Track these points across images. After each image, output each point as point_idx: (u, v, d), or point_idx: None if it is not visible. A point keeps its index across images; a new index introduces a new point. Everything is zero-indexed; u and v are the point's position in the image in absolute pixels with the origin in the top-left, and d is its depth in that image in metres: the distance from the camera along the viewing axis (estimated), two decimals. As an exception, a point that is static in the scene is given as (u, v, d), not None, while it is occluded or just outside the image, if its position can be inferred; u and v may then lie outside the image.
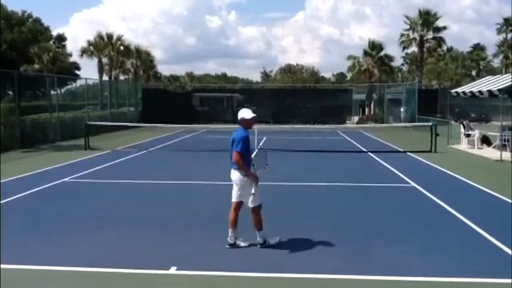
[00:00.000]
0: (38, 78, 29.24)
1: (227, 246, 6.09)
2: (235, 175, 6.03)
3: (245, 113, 6.13)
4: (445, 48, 47.95)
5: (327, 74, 75.67)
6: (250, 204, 6.01)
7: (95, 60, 42.68)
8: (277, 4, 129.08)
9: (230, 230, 6.10)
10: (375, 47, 39.80)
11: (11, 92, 20.81)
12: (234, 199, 6.15)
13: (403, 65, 56.29)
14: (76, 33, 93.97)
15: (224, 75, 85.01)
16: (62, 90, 30.76)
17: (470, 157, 15.82)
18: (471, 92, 17.49)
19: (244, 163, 5.92)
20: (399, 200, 9.39)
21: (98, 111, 25.08)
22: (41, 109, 22.32)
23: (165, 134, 23.75)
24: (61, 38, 49.83)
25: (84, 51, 42.62)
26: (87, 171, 12.45)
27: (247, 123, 6.13)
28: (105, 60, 42.91)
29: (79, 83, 32.27)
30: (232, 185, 6.19)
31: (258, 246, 6.07)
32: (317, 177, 11.76)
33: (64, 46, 49.60)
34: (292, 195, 9.78)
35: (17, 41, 41.30)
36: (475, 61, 56.19)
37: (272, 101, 34.81)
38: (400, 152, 17.23)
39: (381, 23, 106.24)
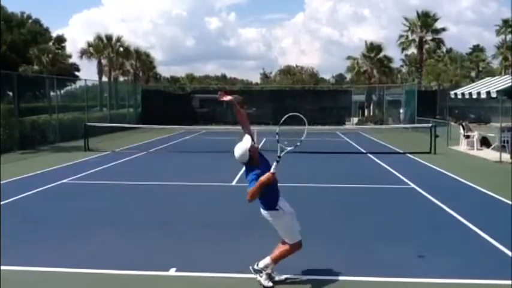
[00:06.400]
0: (38, 79, 29.17)
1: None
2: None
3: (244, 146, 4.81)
4: (444, 49, 47.93)
5: (327, 76, 75.70)
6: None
7: (95, 61, 42.69)
8: (276, 6, 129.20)
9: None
10: (373, 48, 39.81)
11: (10, 93, 20.79)
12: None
13: (402, 66, 56.31)
14: (75, 34, 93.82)
15: (224, 77, 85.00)
16: (62, 91, 30.76)
17: (469, 158, 15.83)
18: (470, 93, 17.52)
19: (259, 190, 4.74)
20: (398, 201, 9.39)
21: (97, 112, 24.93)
22: (40, 110, 22.29)
23: (165, 135, 23.72)
24: (60, 39, 49.71)
25: (83, 53, 42.56)
26: (87, 173, 12.45)
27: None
28: (104, 61, 42.87)
29: (78, 84, 32.24)
30: None
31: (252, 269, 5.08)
32: (316, 178, 11.77)
33: (63, 47, 49.51)
34: (291, 197, 9.72)
35: (17, 42, 41.26)
36: (474, 62, 56.23)
37: (271, 102, 34.82)
38: (399, 153, 17.24)
39: (380, 24, 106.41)
